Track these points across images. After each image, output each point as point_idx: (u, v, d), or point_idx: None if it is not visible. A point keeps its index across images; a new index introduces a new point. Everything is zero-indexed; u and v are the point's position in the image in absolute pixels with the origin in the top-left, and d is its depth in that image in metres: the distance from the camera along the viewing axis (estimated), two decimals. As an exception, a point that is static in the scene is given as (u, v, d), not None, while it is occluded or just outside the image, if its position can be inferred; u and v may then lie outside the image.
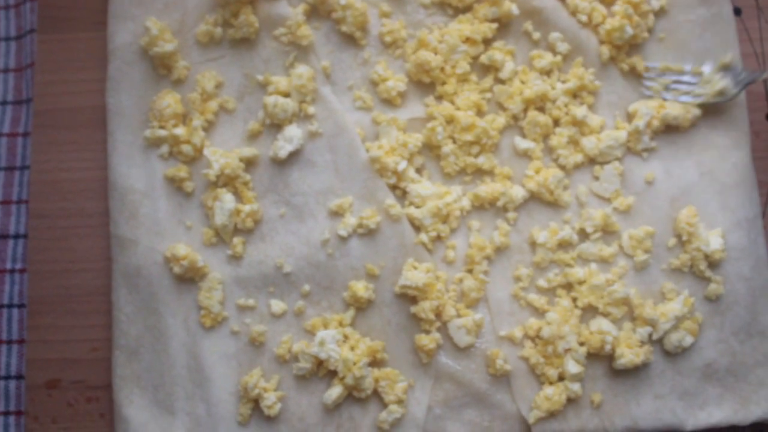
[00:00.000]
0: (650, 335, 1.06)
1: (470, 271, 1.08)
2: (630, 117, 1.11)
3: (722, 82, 1.09)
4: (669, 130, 1.10)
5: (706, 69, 1.11)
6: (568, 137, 1.10)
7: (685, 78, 1.11)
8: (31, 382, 1.09)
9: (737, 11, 1.15)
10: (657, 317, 1.05)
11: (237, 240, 1.08)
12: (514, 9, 1.11)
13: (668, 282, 1.07)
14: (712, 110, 1.10)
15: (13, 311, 1.14)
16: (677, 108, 1.09)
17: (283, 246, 1.08)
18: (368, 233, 1.08)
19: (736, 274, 1.07)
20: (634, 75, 1.13)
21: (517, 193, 1.09)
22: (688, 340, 1.05)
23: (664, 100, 1.11)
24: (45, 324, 1.10)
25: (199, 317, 1.07)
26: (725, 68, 1.10)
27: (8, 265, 1.15)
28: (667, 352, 1.06)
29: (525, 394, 1.05)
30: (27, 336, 1.10)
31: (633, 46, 1.13)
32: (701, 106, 1.10)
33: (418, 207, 1.08)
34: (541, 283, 1.08)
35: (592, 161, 1.11)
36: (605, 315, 1.06)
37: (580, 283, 1.07)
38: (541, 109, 1.11)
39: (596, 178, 1.10)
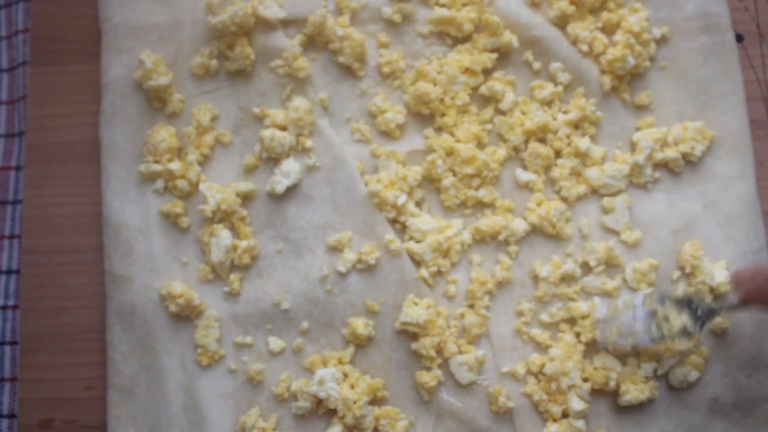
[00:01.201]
0: (655, 371, 1.04)
1: (471, 307, 1.06)
2: (633, 147, 1.10)
3: (680, 320, 1.00)
4: (672, 161, 1.09)
5: (658, 300, 1.00)
6: (570, 169, 1.08)
7: (638, 315, 1.01)
8: (24, 421, 1.07)
9: (739, 38, 1.14)
10: (662, 352, 1.03)
11: (234, 276, 1.06)
12: (515, 41, 1.09)
13: None
14: (716, 143, 1.09)
15: (5, 348, 1.12)
16: (677, 149, 1.08)
17: (281, 282, 1.06)
18: (368, 269, 1.06)
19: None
20: (636, 106, 1.11)
21: (519, 226, 1.07)
22: (694, 375, 1.03)
23: (622, 347, 1.02)
24: (38, 362, 1.08)
25: (196, 356, 1.05)
26: (680, 301, 1.01)
27: (0, 302, 1.13)
28: (673, 387, 1.04)
29: (529, 432, 1.04)
30: (20, 374, 1.08)
31: (635, 75, 1.11)
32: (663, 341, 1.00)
33: (418, 241, 1.06)
34: (544, 317, 1.06)
35: (594, 193, 1.09)
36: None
37: (584, 317, 1.05)
38: (543, 141, 1.10)
39: (605, 211, 1.08)
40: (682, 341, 0.99)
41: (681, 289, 1.03)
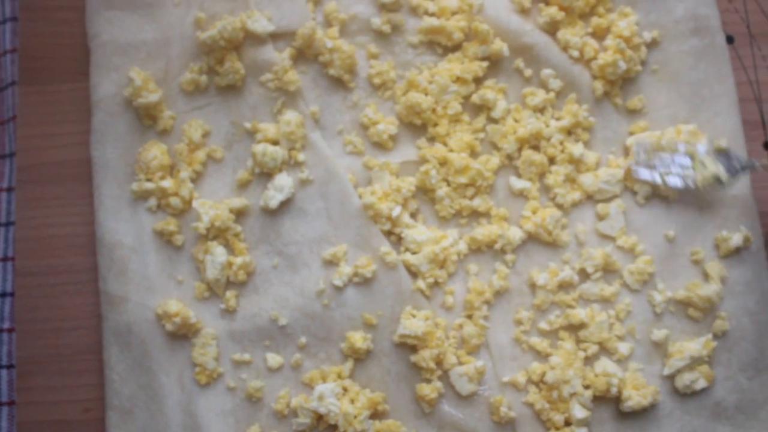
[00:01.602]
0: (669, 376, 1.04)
1: (470, 317, 1.05)
2: (626, 151, 1.09)
3: (715, 167, 1.04)
4: (667, 164, 1.09)
5: (701, 149, 1.06)
6: (564, 175, 1.08)
7: (678, 158, 1.06)
8: (23, 445, 1.07)
9: (730, 39, 1.14)
10: (672, 351, 1.03)
11: (230, 293, 1.06)
12: (505, 50, 1.09)
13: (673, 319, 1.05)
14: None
15: (2, 372, 1.11)
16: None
17: (277, 298, 1.06)
18: (364, 282, 1.05)
19: (742, 308, 1.05)
20: (629, 111, 1.11)
21: (515, 234, 1.06)
22: (702, 383, 1.03)
23: (655, 184, 1.06)
24: (35, 385, 1.07)
25: (194, 374, 1.04)
26: (720, 152, 1.05)
27: (-4, 325, 1.12)
28: (677, 391, 1.04)
29: (531, 441, 1.03)
30: (17, 398, 1.07)
31: (626, 79, 1.11)
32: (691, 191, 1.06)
33: (414, 253, 1.06)
34: (543, 325, 1.05)
35: (590, 199, 1.09)
36: (611, 354, 1.04)
37: (583, 324, 1.04)
38: (536, 148, 1.09)
39: (599, 217, 1.07)
40: (712, 188, 1.04)
41: (723, 141, 1.06)
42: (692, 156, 1.05)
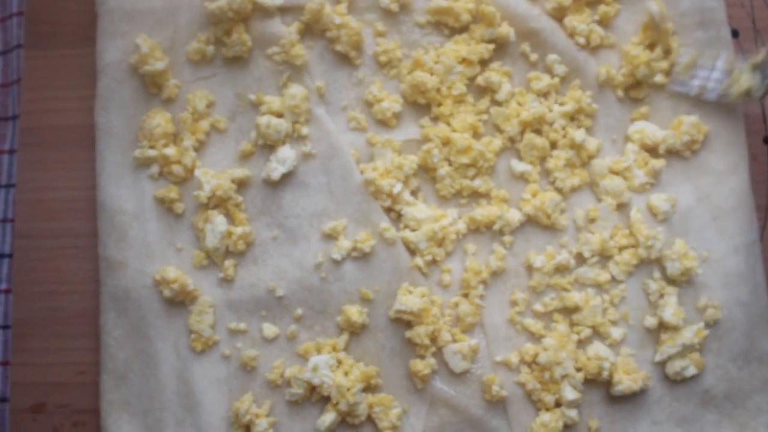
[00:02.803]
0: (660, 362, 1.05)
1: (466, 296, 1.06)
2: (627, 138, 1.10)
3: (750, 82, 1.07)
4: (668, 154, 1.09)
5: (740, 64, 1.09)
6: (565, 160, 1.09)
7: (714, 74, 1.09)
8: (16, 405, 1.07)
9: (735, 33, 1.14)
10: (664, 338, 1.04)
11: (229, 263, 1.06)
12: (512, 34, 1.10)
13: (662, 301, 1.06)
14: (710, 137, 1.09)
15: (-3, 333, 1.12)
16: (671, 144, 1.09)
17: (275, 269, 1.06)
18: (362, 257, 1.06)
19: (735, 299, 1.06)
20: (630, 98, 1.12)
21: (514, 216, 1.07)
22: (692, 370, 1.04)
23: (690, 96, 1.10)
24: (31, 346, 1.08)
25: (190, 341, 1.05)
26: (756, 67, 1.08)
27: (-7, 286, 1.13)
28: (667, 377, 1.05)
29: (521, 421, 1.04)
30: (12, 358, 1.08)
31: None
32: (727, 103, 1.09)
33: (413, 230, 1.07)
34: (538, 307, 1.06)
35: (589, 185, 1.09)
36: (604, 338, 1.05)
37: (577, 308, 1.05)
38: (538, 132, 1.10)
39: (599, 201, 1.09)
40: (744, 99, 1.08)
41: (762, 55, 1.08)
42: (729, 71, 1.08)
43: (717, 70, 1.08)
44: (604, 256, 1.08)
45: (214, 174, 1.07)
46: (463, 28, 1.12)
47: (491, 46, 1.10)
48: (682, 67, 1.09)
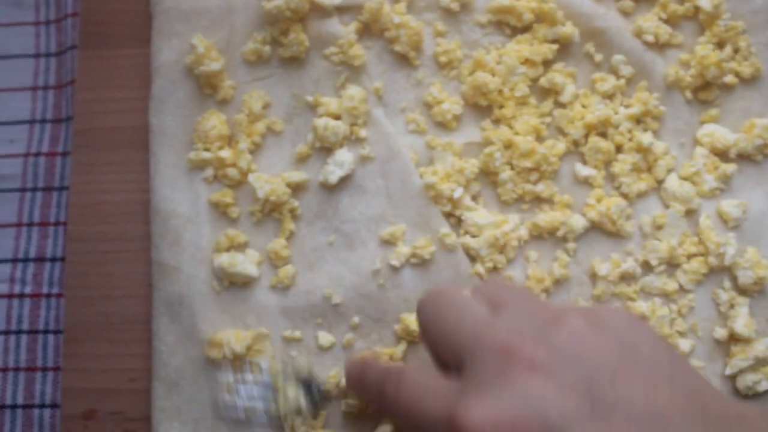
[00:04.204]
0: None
1: (528, 304, 1.03)
2: (696, 143, 1.06)
3: (299, 400, 0.94)
4: (739, 158, 1.05)
5: (282, 377, 0.96)
6: (631, 164, 1.05)
7: (257, 389, 0.96)
8: (67, 412, 1.05)
9: (810, 34, 1.10)
10: (735, 351, 1.01)
11: (284, 269, 1.04)
12: (576, 35, 1.06)
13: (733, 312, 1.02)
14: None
15: (48, 337, 1.10)
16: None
17: (332, 275, 1.04)
18: (422, 263, 1.03)
19: (810, 311, 1.02)
20: (699, 100, 1.08)
21: (578, 222, 1.04)
22: (764, 385, 1.00)
23: (239, 420, 0.96)
24: (82, 352, 1.06)
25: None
26: (300, 380, 0.96)
27: (44, 290, 1.11)
28: (738, 391, 1.01)
29: None
30: (63, 364, 1.06)
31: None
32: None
33: (474, 236, 1.03)
34: (602, 317, 1.03)
35: (656, 189, 1.06)
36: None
37: (644, 318, 1.02)
38: (603, 135, 1.06)
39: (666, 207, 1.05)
40: (297, 420, 0.96)
41: (304, 366, 0.98)
42: (275, 383, 0.95)
43: (260, 383, 0.96)
44: (672, 265, 1.04)
45: (268, 179, 1.04)
46: (526, 28, 1.09)
47: (554, 47, 1.07)
48: (226, 385, 0.96)
